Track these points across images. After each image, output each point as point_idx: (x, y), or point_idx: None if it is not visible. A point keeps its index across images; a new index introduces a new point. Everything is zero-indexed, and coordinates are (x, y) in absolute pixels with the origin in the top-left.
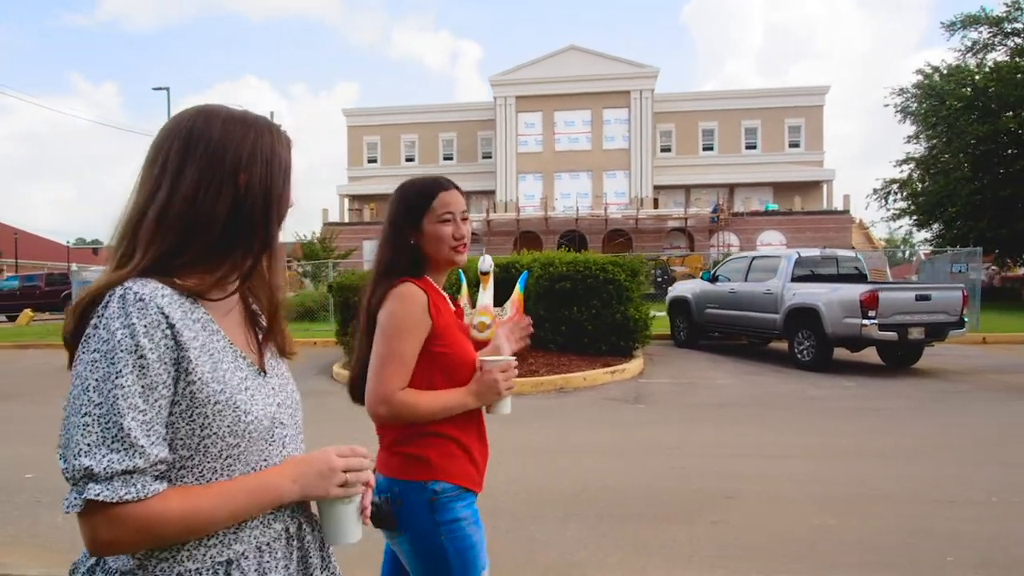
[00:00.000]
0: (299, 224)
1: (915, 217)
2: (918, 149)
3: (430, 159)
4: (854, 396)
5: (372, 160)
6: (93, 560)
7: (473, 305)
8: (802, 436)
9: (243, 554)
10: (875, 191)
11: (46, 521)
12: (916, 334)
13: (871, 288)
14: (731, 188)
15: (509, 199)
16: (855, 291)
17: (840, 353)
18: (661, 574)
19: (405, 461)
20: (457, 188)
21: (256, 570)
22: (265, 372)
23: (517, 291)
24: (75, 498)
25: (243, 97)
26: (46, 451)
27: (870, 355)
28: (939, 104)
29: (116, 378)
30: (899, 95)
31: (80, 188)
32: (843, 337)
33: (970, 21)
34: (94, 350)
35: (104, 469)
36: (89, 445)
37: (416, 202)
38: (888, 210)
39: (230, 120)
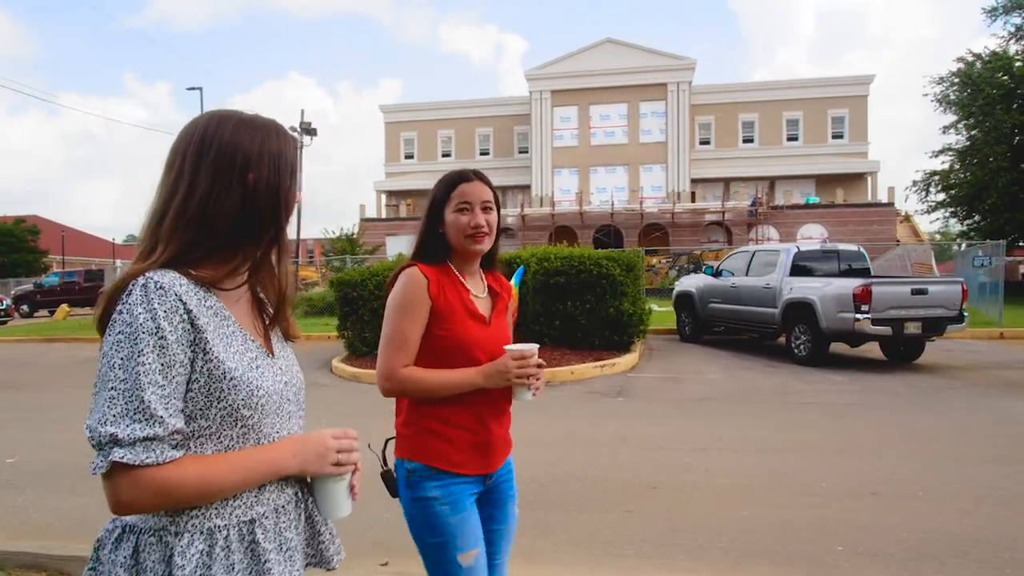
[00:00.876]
0: (340, 220)
1: (951, 209)
2: (959, 139)
3: (466, 154)
4: (838, 391)
5: (409, 156)
6: (124, 524)
7: None
8: (763, 430)
9: (264, 515)
10: (914, 183)
11: (7, 503)
12: (913, 329)
13: (864, 282)
14: (771, 181)
15: (544, 194)
16: (849, 285)
17: (842, 348)
18: (548, 558)
19: (397, 438)
20: (483, 180)
21: (274, 528)
22: (273, 354)
23: (512, 285)
24: (101, 461)
25: (288, 94)
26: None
27: (874, 351)
28: (976, 93)
29: (138, 356)
30: (939, 83)
31: (132, 186)
32: (837, 332)
33: (1013, 6)
34: (119, 332)
35: (127, 436)
36: (115, 415)
37: (440, 192)
38: (923, 203)
39: (240, 124)
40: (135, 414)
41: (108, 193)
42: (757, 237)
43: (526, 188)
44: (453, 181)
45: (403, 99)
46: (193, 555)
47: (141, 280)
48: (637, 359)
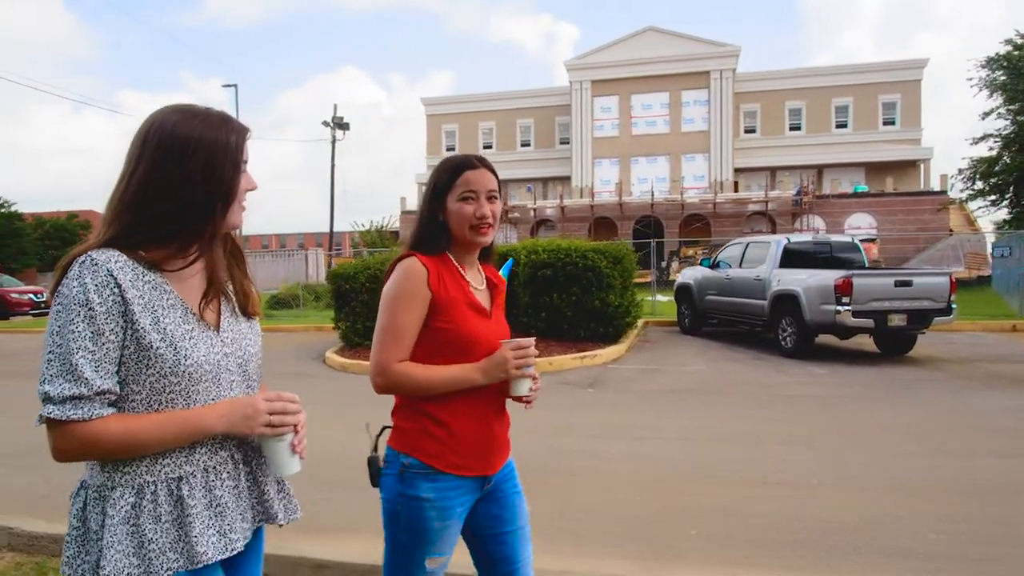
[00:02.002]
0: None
1: (991, 197)
2: (1006, 125)
3: (507, 146)
4: (814, 384)
5: (450, 148)
6: (80, 483)
7: None
8: (713, 421)
9: (192, 473)
10: (960, 171)
11: None
12: (897, 321)
13: (845, 274)
14: (819, 169)
15: (585, 185)
16: (831, 277)
17: (836, 342)
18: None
19: (394, 430)
20: (488, 167)
21: (203, 486)
22: (219, 329)
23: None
24: (40, 415)
25: (340, 88)
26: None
27: (868, 343)
28: (1018, 77)
29: (70, 325)
30: (984, 67)
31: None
32: (820, 324)
33: None
34: (58, 304)
35: (57, 394)
36: (50, 376)
37: (443, 179)
38: (964, 191)
39: (185, 115)
40: (65, 375)
41: None
42: (802, 227)
43: (567, 179)
44: (457, 167)
45: (456, 90)
46: (122, 507)
47: (81, 258)
48: (624, 351)
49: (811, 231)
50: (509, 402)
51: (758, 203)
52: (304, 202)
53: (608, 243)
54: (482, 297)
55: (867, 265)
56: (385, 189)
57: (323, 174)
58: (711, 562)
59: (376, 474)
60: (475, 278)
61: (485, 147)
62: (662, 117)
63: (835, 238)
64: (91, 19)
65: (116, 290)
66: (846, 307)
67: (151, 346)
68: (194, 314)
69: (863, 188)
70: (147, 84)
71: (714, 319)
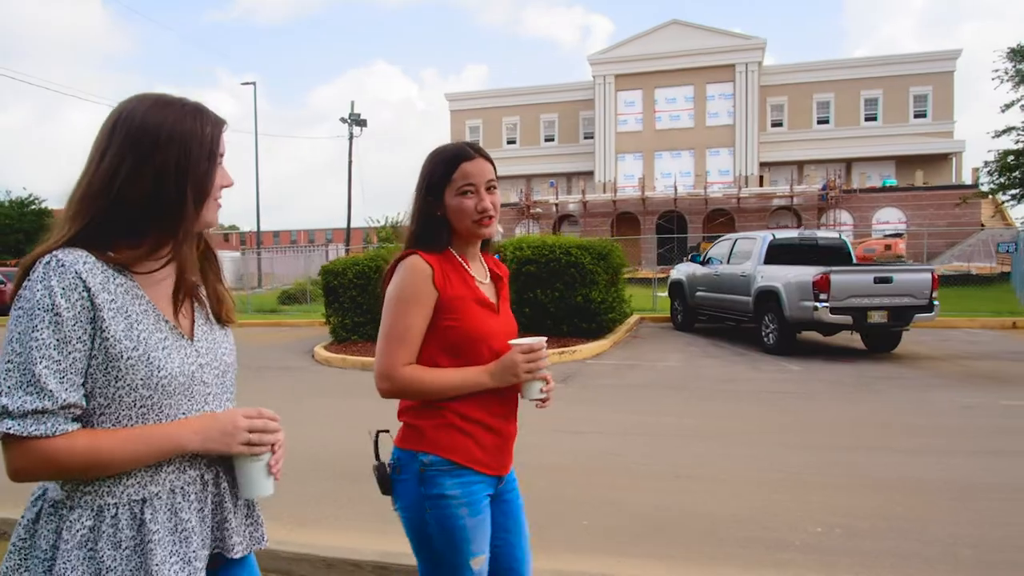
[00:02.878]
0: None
1: (1014, 191)
2: None
3: (531, 141)
4: (781, 380)
5: None
6: (40, 492)
7: None
8: (659, 416)
9: (156, 494)
10: (985, 163)
11: None
12: (877, 318)
13: (823, 270)
14: (848, 163)
15: (607, 180)
16: (810, 273)
17: (824, 338)
18: (345, 525)
19: (405, 429)
20: (483, 156)
21: (168, 508)
22: (192, 337)
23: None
24: None
25: (372, 83)
26: None
27: (856, 340)
28: None
29: (33, 332)
30: (1009, 59)
31: (238, 177)
32: (799, 320)
33: None
34: (19, 307)
35: (17, 408)
36: (8, 388)
37: (438, 174)
38: (986, 184)
39: (156, 104)
40: (27, 387)
41: None
42: (829, 223)
43: (591, 175)
44: (452, 159)
45: (488, 85)
46: (78, 531)
47: (46, 258)
48: (608, 346)
49: (837, 226)
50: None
51: (783, 198)
52: (335, 198)
53: (594, 239)
54: (488, 291)
55: (855, 262)
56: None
57: (354, 168)
58: (597, 551)
59: (386, 480)
60: (479, 271)
61: (509, 142)
62: (686, 111)
63: (822, 234)
64: (127, 18)
65: (85, 294)
66: (824, 303)
67: (122, 356)
68: (166, 321)
69: (892, 182)
70: (180, 81)
71: (704, 315)
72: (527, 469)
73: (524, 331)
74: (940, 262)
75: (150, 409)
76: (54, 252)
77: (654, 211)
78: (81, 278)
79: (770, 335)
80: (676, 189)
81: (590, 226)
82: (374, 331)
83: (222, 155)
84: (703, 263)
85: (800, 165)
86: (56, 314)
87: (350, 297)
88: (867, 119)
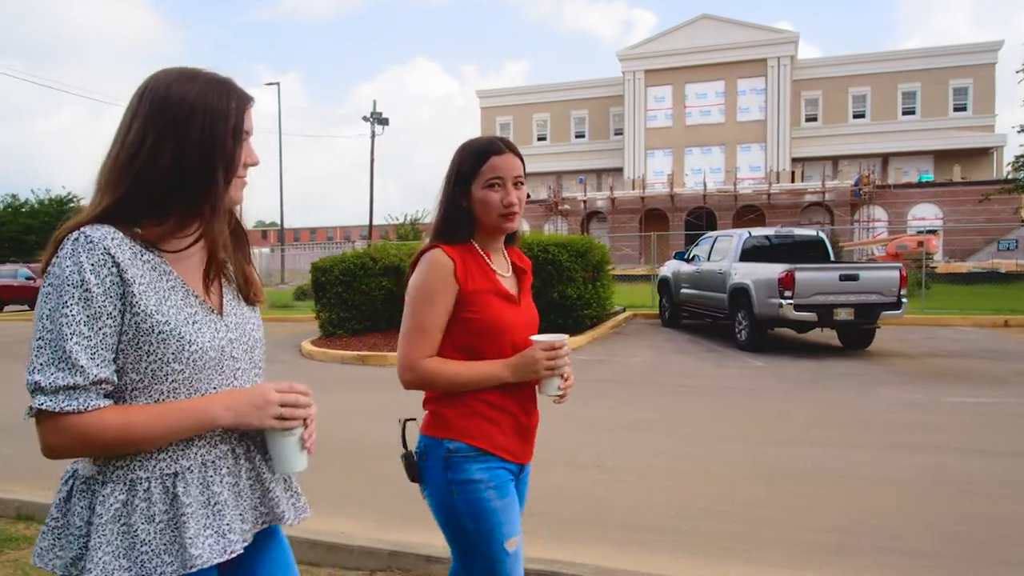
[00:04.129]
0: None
1: None
2: None
3: (561, 137)
4: (739, 376)
5: None
6: (71, 471)
7: None
8: (603, 409)
9: (188, 468)
10: (1017, 158)
11: None
12: (844, 315)
13: (788, 267)
14: (884, 158)
15: (637, 176)
16: (777, 270)
17: (801, 335)
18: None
19: (430, 417)
20: (514, 151)
21: (200, 482)
22: (222, 312)
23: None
24: (29, 407)
25: (413, 80)
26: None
27: (833, 337)
28: None
29: (63, 308)
30: None
31: (268, 174)
32: (767, 317)
33: None
34: (49, 284)
35: (50, 384)
36: (42, 364)
37: (467, 166)
38: (1011, 178)
39: (181, 78)
40: (58, 363)
41: (251, 180)
42: (863, 219)
43: (621, 171)
44: (482, 152)
45: (529, 81)
46: (112, 504)
47: (74, 234)
48: (585, 342)
49: (870, 222)
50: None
51: (814, 194)
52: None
53: (574, 236)
54: (509, 284)
55: (832, 259)
56: None
57: (393, 165)
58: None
59: (414, 468)
60: (501, 265)
61: (539, 139)
62: (717, 106)
63: (799, 232)
64: (172, 16)
65: (114, 269)
66: (789, 300)
67: (153, 330)
68: (196, 296)
69: (929, 177)
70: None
71: (686, 312)
72: None
73: None
74: (977, 259)
75: (181, 384)
76: (82, 228)
77: (683, 207)
78: (110, 253)
79: (742, 331)
80: (706, 185)
81: (618, 223)
82: (359, 326)
83: (249, 132)
84: (688, 260)
85: (835, 160)
86: (86, 290)
87: (336, 293)
88: (904, 113)
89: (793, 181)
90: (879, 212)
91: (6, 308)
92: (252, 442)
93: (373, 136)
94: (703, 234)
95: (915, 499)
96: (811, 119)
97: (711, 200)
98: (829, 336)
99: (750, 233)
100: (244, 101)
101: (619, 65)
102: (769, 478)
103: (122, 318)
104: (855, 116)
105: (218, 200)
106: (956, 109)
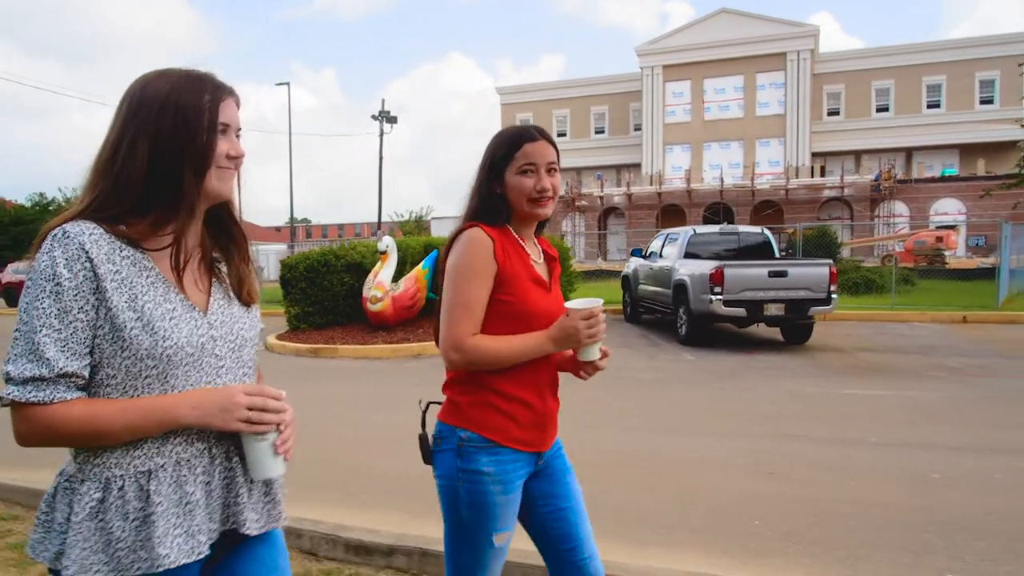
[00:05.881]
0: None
1: None
2: None
3: (581, 133)
4: (664, 369)
5: None
6: (62, 467)
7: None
8: None
9: (162, 466)
10: None
11: None
12: (774, 310)
13: (717, 264)
14: (908, 152)
15: (654, 172)
16: (708, 267)
17: (757, 330)
18: None
19: (447, 404)
20: (548, 139)
21: (173, 480)
22: (206, 310)
23: (418, 269)
24: (1, 396)
25: (447, 75)
26: None
27: (776, 332)
28: None
29: (35, 301)
30: None
31: (297, 170)
32: (700, 312)
33: None
34: (29, 278)
35: (19, 374)
36: (15, 355)
37: (501, 152)
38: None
39: (159, 77)
40: (28, 355)
41: (279, 177)
42: (884, 214)
43: (639, 167)
44: (516, 139)
45: (565, 74)
46: (87, 503)
47: (54, 231)
48: None
49: (891, 217)
50: (377, 379)
51: (833, 189)
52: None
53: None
54: (541, 270)
55: (778, 255)
56: None
57: (426, 162)
58: (312, 501)
59: (428, 451)
60: (533, 250)
61: (559, 135)
62: (735, 101)
63: (743, 229)
64: (211, 16)
65: (87, 264)
66: (718, 296)
67: (125, 326)
68: (177, 293)
69: (952, 171)
70: (262, 77)
71: (643, 307)
72: (322, 439)
73: None
74: (999, 255)
75: (155, 379)
76: (62, 225)
77: (700, 203)
78: (84, 249)
79: (683, 326)
80: (723, 181)
81: (635, 219)
82: (322, 320)
83: (229, 125)
84: (645, 257)
85: (857, 155)
86: (58, 284)
87: (300, 289)
88: (929, 106)
89: (812, 176)
90: (900, 207)
91: None
92: (231, 443)
93: (382, 135)
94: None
95: (720, 480)
96: (833, 113)
97: (728, 196)
98: (774, 331)
99: (695, 231)
100: (220, 93)
101: (637, 60)
102: (603, 463)
103: (96, 312)
104: (878, 110)
105: (192, 197)
106: (983, 102)
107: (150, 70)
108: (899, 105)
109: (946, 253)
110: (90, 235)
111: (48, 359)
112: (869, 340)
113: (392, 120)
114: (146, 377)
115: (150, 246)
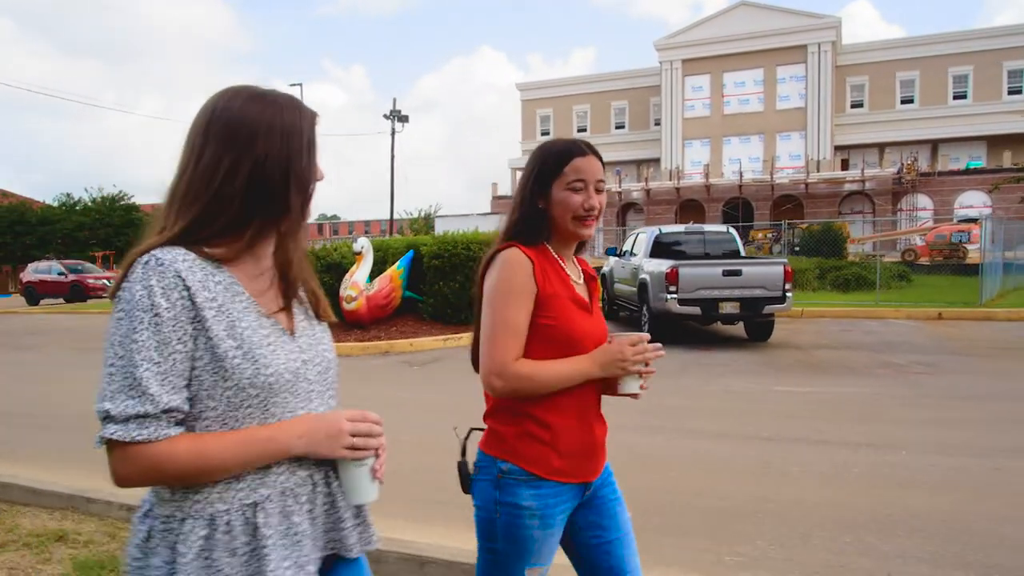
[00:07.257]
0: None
1: None
2: None
3: (601, 128)
4: None
5: (544, 133)
6: (146, 508)
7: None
8: (444, 395)
9: (268, 497)
10: None
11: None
12: (729, 309)
13: (673, 263)
14: (934, 144)
15: (674, 167)
16: (665, 266)
17: (724, 328)
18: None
19: (490, 433)
20: (596, 154)
21: (280, 512)
22: (293, 332)
23: (393, 268)
24: (99, 436)
25: (478, 69)
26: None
27: (741, 330)
28: None
29: (134, 334)
30: None
31: (330, 166)
32: (658, 311)
33: None
34: (120, 309)
35: (120, 412)
36: (111, 392)
37: (549, 166)
38: None
39: (251, 98)
40: (129, 391)
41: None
42: (905, 208)
43: (659, 162)
44: (565, 153)
45: (596, 68)
46: (195, 541)
47: (144, 258)
48: None
49: (913, 210)
50: (345, 377)
51: (854, 182)
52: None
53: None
54: (582, 291)
55: (742, 255)
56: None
57: (457, 156)
58: None
59: (467, 479)
60: (573, 271)
61: (579, 130)
62: (755, 95)
63: (708, 228)
64: (243, 14)
65: (185, 293)
66: (673, 295)
67: (227, 355)
68: (268, 317)
69: (978, 164)
70: (293, 74)
71: (616, 305)
72: None
73: (433, 319)
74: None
75: (256, 408)
76: (153, 252)
77: (719, 198)
78: (180, 276)
79: (645, 324)
80: (741, 175)
81: (653, 214)
82: None
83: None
84: (620, 256)
85: (881, 148)
86: (156, 315)
87: None
88: (955, 97)
89: (834, 169)
90: (924, 201)
91: (42, 302)
92: (329, 468)
93: (393, 133)
94: (738, 226)
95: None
96: (857, 105)
97: (747, 190)
98: (738, 329)
99: (660, 230)
100: (312, 119)
101: (656, 55)
102: None
103: (194, 343)
104: (903, 101)
105: (295, 218)
106: (1011, 92)
107: (229, 89)
108: (924, 96)
109: (970, 248)
110: (184, 261)
111: (152, 394)
112: (833, 337)
113: (404, 119)
114: (248, 407)
115: (240, 268)
